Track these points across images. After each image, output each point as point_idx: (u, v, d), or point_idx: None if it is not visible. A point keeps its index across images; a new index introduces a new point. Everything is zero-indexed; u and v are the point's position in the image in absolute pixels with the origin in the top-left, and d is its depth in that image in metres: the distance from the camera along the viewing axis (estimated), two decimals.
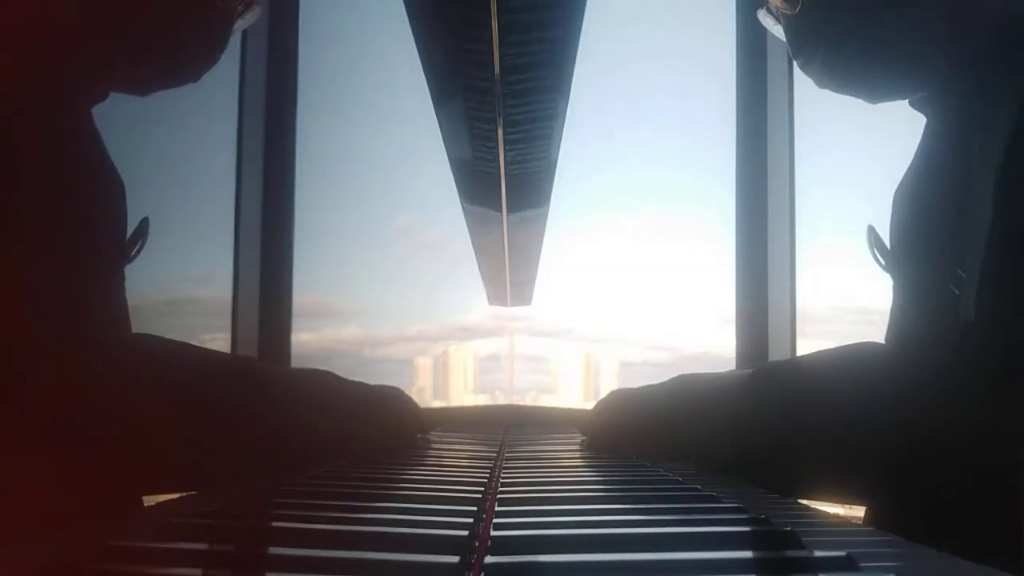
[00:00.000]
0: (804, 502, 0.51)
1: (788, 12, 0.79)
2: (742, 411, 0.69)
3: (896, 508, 0.66)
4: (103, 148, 0.76)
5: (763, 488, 0.54)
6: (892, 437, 0.63)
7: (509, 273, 1.73)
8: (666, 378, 0.79)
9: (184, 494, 0.55)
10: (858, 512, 0.74)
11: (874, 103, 0.82)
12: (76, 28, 0.69)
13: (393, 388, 0.84)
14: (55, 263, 0.66)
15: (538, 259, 1.70)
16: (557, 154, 1.17)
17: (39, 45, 0.66)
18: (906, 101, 0.82)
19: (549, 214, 1.39)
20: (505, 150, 1.05)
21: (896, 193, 0.83)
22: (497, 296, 1.96)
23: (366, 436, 0.76)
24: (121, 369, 0.63)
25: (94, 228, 0.74)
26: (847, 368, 0.71)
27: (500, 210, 1.31)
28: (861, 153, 1.62)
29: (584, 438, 0.83)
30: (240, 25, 0.82)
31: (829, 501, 0.67)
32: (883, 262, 0.83)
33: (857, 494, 0.70)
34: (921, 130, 0.82)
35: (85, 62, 0.72)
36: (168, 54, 0.77)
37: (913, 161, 0.82)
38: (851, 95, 0.82)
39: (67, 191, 0.70)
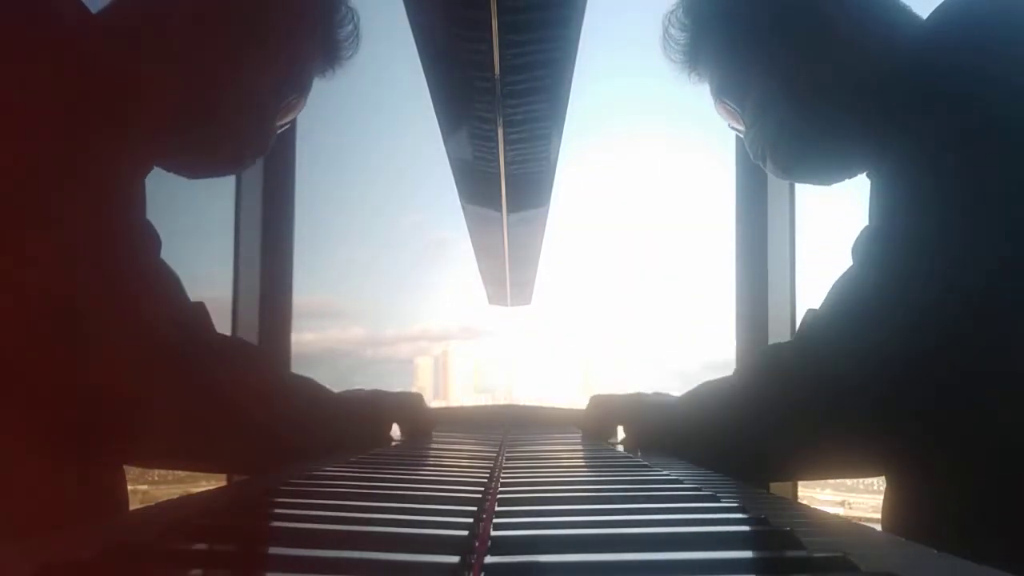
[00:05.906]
0: (803, 502, 0.51)
1: (741, 133, 0.92)
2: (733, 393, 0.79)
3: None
4: (144, 214, 0.77)
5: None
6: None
7: (509, 273, 1.74)
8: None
9: (182, 495, 0.55)
10: (858, 513, 0.74)
11: (828, 185, 0.91)
12: (150, 124, 0.74)
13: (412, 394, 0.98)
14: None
15: (538, 259, 1.71)
16: (557, 154, 1.17)
17: (120, 128, 0.70)
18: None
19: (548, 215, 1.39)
20: (505, 150, 1.05)
21: (853, 247, 0.87)
22: (497, 296, 1.96)
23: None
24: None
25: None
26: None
27: (500, 210, 1.32)
28: None
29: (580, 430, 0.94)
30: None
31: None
32: None
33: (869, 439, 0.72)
34: None
35: (151, 152, 0.77)
36: (228, 155, 0.84)
37: (870, 217, 0.86)
38: (806, 183, 0.95)
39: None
